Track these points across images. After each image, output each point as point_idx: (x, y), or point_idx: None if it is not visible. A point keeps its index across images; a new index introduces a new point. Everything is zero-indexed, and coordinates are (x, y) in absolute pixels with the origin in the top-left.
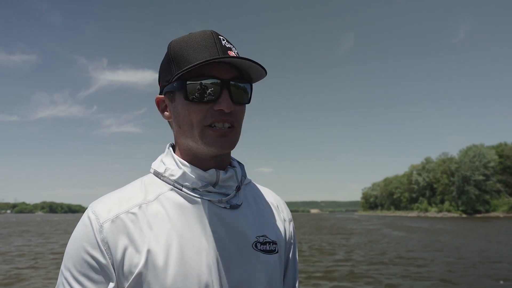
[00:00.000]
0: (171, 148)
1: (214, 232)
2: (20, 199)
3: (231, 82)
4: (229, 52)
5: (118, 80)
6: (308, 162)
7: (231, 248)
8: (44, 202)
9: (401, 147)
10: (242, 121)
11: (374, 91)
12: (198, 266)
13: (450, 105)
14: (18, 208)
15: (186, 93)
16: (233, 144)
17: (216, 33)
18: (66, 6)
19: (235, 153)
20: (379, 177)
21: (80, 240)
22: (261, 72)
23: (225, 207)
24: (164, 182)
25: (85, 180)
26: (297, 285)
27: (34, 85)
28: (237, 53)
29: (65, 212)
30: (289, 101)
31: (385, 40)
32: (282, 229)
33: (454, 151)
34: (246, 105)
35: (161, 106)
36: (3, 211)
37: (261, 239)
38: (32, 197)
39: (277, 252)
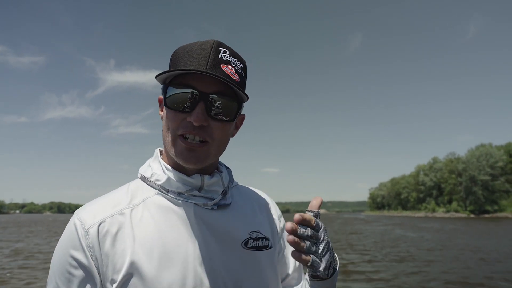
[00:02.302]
0: (159, 153)
1: (199, 233)
2: (28, 200)
3: (212, 96)
4: (222, 65)
5: (125, 81)
6: (315, 162)
7: (218, 248)
8: (52, 203)
9: (408, 147)
10: (222, 138)
11: (382, 91)
12: (183, 268)
13: (459, 104)
14: (27, 208)
15: (166, 99)
16: (200, 160)
17: (219, 44)
18: (75, 8)
19: (240, 154)
20: (386, 177)
21: (66, 246)
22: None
23: (212, 208)
24: (150, 187)
25: (93, 180)
26: (301, 269)
27: (43, 86)
28: (240, 68)
29: (73, 212)
30: (296, 101)
31: (393, 39)
32: (275, 225)
33: (462, 151)
34: (246, 111)
35: (160, 106)
36: (12, 211)
37: (254, 235)
38: (41, 198)
39: (271, 247)
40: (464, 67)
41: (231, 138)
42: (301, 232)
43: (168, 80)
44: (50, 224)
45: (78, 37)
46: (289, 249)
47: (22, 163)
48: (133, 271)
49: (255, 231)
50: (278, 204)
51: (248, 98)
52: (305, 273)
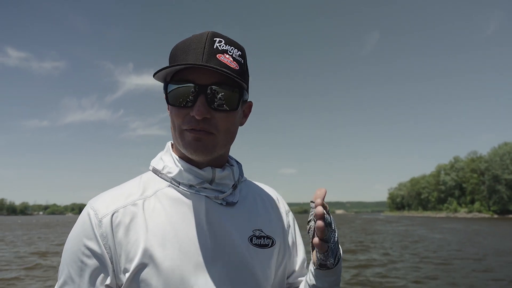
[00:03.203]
0: (170, 146)
1: (210, 225)
2: (51, 201)
3: (212, 87)
4: (218, 55)
5: (143, 84)
6: (333, 163)
7: (229, 241)
8: (74, 204)
9: (426, 147)
10: (228, 128)
11: (400, 90)
12: (194, 259)
13: (480, 102)
14: (50, 210)
15: (167, 97)
16: (208, 149)
17: (213, 34)
18: (94, 12)
19: (257, 155)
20: (405, 177)
21: (79, 235)
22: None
23: (221, 204)
24: (162, 179)
25: (112, 182)
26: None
27: (63, 90)
28: (239, 55)
29: None
30: (313, 101)
31: (411, 37)
32: (281, 222)
33: (484, 150)
34: (252, 103)
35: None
36: (35, 212)
37: (257, 233)
38: (63, 199)
39: (272, 246)
40: (485, 64)
41: (240, 126)
42: (326, 218)
43: (168, 78)
44: None
45: (97, 42)
46: (299, 245)
47: (44, 166)
48: (146, 260)
49: (257, 229)
50: (296, 204)
51: (247, 85)
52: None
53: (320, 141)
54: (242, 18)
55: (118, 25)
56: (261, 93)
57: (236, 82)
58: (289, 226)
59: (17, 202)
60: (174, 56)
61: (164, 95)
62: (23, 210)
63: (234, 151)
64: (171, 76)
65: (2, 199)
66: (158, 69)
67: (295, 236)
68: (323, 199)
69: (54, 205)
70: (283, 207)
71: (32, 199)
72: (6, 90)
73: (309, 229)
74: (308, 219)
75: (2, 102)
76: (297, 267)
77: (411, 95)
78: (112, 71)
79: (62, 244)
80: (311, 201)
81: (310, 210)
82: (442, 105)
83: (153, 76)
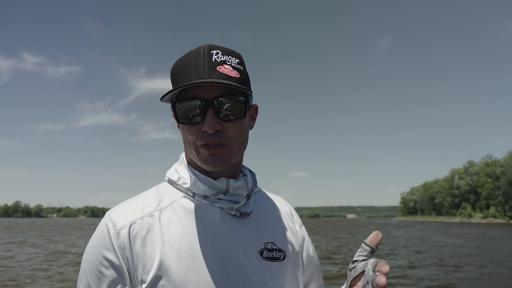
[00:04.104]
0: (184, 157)
1: (224, 238)
2: (64, 204)
3: (218, 100)
4: (218, 68)
5: (155, 88)
6: (344, 167)
7: (241, 254)
8: (86, 207)
9: (440, 151)
10: (239, 136)
11: (413, 93)
12: (209, 271)
13: (495, 105)
14: (63, 212)
15: (177, 116)
16: (225, 161)
17: (209, 48)
18: (107, 17)
19: (267, 159)
20: (417, 182)
21: (97, 246)
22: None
23: (235, 215)
24: (177, 190)
25: (125, 185)
26: (320, 281)
27: (77, 94)
28: (237, 63)
29: None
30: (324, 104)
31: (424, 39)
32: (295, 235)
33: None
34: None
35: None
36: (49, 215)
37: (269, 246)
38: (76, 202)
39: (283, 259)
40: (500, 67)
41: (250, 130)
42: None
43: (174, 98)
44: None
45: (110, 46)
46: (313, 259)
47: (58, 169)
48: (162, 272)
49: (270, 242)
50: (307, 208)
51: (251, 92)
52: None
53: (332, 145)
54: (254, 20)
55: (130, 29)
56: (273, 97)
57: (240, 90)
58: (303, 239)
59: (32, 204)
60: (175, 76)
61: (173, 116)
62: (38, 212)
63: (246, 154)
64: (176, 96)
65: (17, 202)
66: (164, 94)
67: (310, 250)
68: (377, 244)
69: (67, 208)
70: (297, 221)
71: (46, 202)
72: (21, 95)
73: (352, 268)
74: (355, 259)
75: (18, 106)
76: (313, 282)
77: (424, 97)
78: (125, 75)
79: None
80: (365, 243)
81: (360, 250)
82: (456, 108)
83: (160, 100)
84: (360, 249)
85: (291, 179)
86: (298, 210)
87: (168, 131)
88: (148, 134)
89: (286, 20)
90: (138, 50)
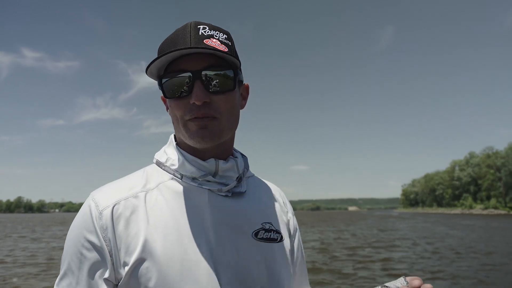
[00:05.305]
0: (173, 138)
1: (212, 220)
2: (66, 199)
3: (205, 72)
4: (205, 40)
5: (156, 82)
6: (345, 159)
7: (231, 235)
8: None
9: (441, 143)
10: (230, 109)
11: (414, 86)
12: (195, 253)
13: (496, 97)
14: (65, 207)
15: (164, 91)
16: (215, 136)
17: (196, 23)
18: (106, 12)
19: (268, 152)
20: (418, 174)
21: (79, 227)
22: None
23: (226, 195)
24: (165, 172)
25: None
26: (305, 273)
27: (78, 89)
28: (225, 38)
29: None
30: (325, 97)
31: (425, 32)
32: (287, 221)
33: (500, 146)
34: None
35: (166, 104)
36: (52, 210)
37: (266, 226)
38: (78, 197)
39: (280, 241)
40: (502, 59)
41: (241, 110)
42: None
43: (161, 72)
44: None
45: (110, 41)
46: (298, 251)
47: (60, 164)
48: (146, 254)
49: (268, 222)
50: (308, 201)
51: (240, 63)
52: None
53: (333, 138)
54: (255, 16)
55: (131, 23)
56: (274, 91)
57: (228, 63)
58: (296, 229)
59: (34, 200)
60: (162, 50)
61: (160, 96)
62: (40, 208)
63: (247, 149)
64: (163, 70)
65: (20, 197)
66: (148, 64)
67: (300, 240)
68: None
69: (70, 202)
70: (290, 209)
71: (48, 197)
72: (22, 90)
73: None
74: (387, 285)
75: (18, 102)
76: (301, 274)
77: (425, 90)
78: (125, 70)
79: None
80: (405, 277)
81: (395, 281)
82: (457, 100)
83: (146, 72)
84: (395, 281)
85: (292, 172)
86: (299, 203)
87: (169, 125)
88: (150, 129)
89: (286, 15)
90: (138, 44)
